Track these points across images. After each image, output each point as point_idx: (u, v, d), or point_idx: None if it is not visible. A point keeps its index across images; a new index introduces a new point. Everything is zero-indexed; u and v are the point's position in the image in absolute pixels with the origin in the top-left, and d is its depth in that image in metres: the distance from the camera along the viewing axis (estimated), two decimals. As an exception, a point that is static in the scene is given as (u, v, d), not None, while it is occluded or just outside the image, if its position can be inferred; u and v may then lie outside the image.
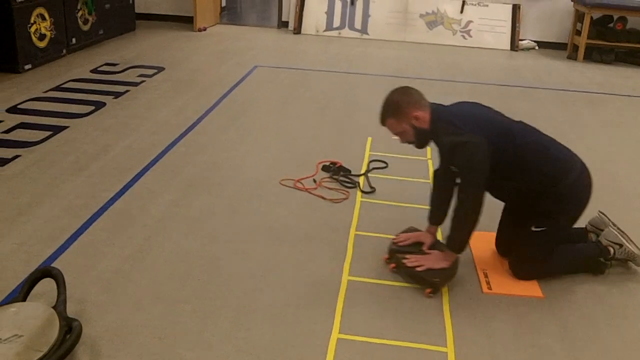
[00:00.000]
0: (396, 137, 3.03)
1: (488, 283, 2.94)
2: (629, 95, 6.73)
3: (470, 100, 3.16)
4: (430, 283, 2.83)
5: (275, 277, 2.89)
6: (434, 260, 2.89)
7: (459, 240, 2.84)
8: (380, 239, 3.28)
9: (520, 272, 3.00)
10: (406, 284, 2.89)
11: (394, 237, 3.15)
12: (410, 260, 2.90)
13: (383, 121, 2.98)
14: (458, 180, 2.82)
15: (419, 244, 3.07)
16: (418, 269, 2.87)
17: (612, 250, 3.08)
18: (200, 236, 3.21)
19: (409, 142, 3.00)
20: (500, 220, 3.24)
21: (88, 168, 3.97)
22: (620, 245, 3.08)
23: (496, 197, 3.09)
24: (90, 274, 2.84)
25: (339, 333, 2.53)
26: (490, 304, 2.80)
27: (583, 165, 2.99)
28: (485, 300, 2.83)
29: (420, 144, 3.01)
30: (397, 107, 2.93)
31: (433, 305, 2.76)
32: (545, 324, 2.69)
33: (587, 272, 3.08)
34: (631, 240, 3.12)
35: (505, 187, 2.97)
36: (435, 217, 3.13)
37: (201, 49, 7.68)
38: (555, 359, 2.48)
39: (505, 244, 3.17)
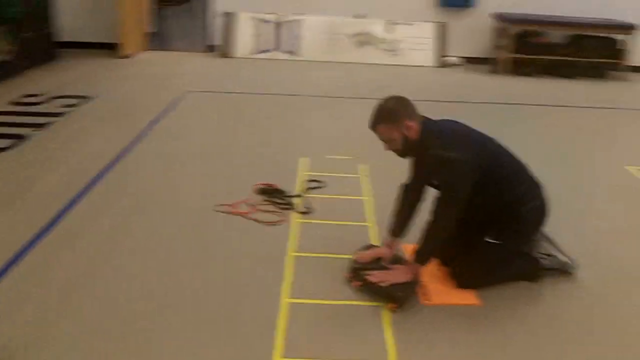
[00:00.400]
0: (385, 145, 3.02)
1: (427, 294, 2.96)
2: (551, 105, 6.98)
3: (449, 118, 3.16)
4: (396, 298, 2.84)
5: (213, 306, 2.84)
6: (397, 275, 2.92)
7: (427, 255, 2.90)
8: (319, 259, 3.26)
9: (464, 281, 3.04)
10: (348, 302, 2.88)
11: (353, 256, 3.14)
12: (374, 277, 2.92)
13: (374, 126, 2.98)
14: (436, 194, 2.87)
15: (379, 260, 3.09)
16: (382, 284, 2.88)
17: (544, 262, 3.16)
18: (135, 269, 3.12)
19: (394, 150, 3.01)
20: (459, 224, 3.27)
21: (10, 204, 3.81)
22: (551, 256, 3.17)
23: (401, 202, 3.15)
24: (14, 317, 2.72)
25: (281, 358, 2.49)
26: (430, 315, 2.82)
27: (545, 192, 3.11)
28: (424, 311, 2.85)
29: (405, 153, 3.02)
30: (391, 115, 2.94)
31: (373, 320, 2.76)
32: (485, 332, 2.73)
33: (523, 280, 3.15)
34: (560, 250, 3.21)
35: (474, 200, 2.98)
36: (398, 231, 3.15)
37: (128, 76, 7.55)
38: (495, 367, 2.51)
39: (451, 251, 3.20)
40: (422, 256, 2.90)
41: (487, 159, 2.95)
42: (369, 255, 3.13)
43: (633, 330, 2.81)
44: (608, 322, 2.86)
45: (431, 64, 9.08)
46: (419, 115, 2.97)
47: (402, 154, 3.02)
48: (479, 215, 3.08)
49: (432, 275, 3.12)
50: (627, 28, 8.69)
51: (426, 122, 2.97)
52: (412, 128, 2.91)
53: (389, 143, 2.97)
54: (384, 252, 3.14)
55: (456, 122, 3.13)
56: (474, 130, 3.10)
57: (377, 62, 8.98)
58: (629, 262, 3.44)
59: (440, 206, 2.84)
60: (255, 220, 3.70)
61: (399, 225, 3.15)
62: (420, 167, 3.09)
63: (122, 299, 2.85)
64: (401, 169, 4.71)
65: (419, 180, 3.12)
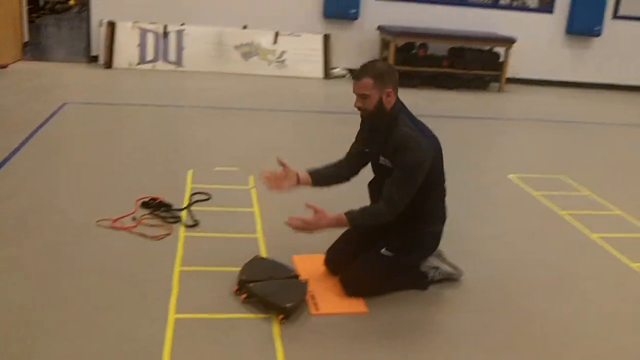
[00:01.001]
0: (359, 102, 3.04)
1: (315, 305, 2.97)
2: (434, 116, 7.23)
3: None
4: (283, 309, 2.82)
5: (97, 325, 2.71)
6: (320, 223, 2.97)
7: (359, 223, 3.01)
8: (207, 273, 3.21)
9: (353, 289, 3.07)
10: (236, 315, 2.84)
11: (240, 268, 3.10)
12: (294, 220, 2.96)
13: (359, 77, 2.97)
14: (390, 178, 2.94)
15: (268, 272, 3.08)
16: (303, 229, 2.96)
17: (430, 274, 3.25)
18: (11, 289, 2.94)
19: (363, 109, 3.02)
20: (344, 234, 3.32)
21: None
22: (437, 268, 3.27)
23: (374, 198, 3.17)
24: None
25: (168, 375, 2.42)
26: (320, 325, 2.83)
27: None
28: (314, 321, 2.86)
29: (372, 117, 3.03)
30: (380, 74, 2.96)
31: (264, 333, 2.73)
32: (372, 338, 2.77)
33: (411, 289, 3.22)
34: (446, 261, 3.32)
35: None
36: (316, 180, 3.25)
37: (2, 87, 7.14)
38: (383, 372, 2.56)
39: (342, 259, 3.23)
40: (354, 221, 2.98)
41: (433, 161, 3.03)
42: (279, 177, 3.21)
43: (516, 329, 2.95)
44: (492, 324, 2.98)
45: (318, 76, 9.19)
46: (397, 92, 3.03)
47: (369, 115, 3.04)
48: (387, 224, 3.10)
49: (320, 285, 3.14)
50: (507, 41, 9.17)
51: (400, 102, 3.05)
52: (391, 98, 2.98)
53: (363, 100, 2.99)
54: (289, 174, 3.22)
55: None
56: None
57: (264, 74, 8.99)
58: (509, 265, 3.61)
59: (393, 191, 2.92)
60: (141, 234, 3.59)
61: (318, 175, 3.27)
62: (374, 142, 3.13)
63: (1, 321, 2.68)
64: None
65: (361, 155, 3.19)
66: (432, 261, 3.27)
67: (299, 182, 3.23)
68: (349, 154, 3.35)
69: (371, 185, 3.24)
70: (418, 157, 2.93)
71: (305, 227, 2.97)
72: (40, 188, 4.19)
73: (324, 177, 3.29)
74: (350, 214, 2.99)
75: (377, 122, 3.08)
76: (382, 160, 3.06)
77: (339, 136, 6.01)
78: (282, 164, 3.22)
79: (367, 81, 2.96)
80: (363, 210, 3.01)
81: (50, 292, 2.94)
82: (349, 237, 3.30)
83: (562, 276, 3.53)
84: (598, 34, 9.87)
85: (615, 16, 9.99)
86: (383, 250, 3.09)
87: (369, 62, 3.07)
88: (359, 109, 3.05)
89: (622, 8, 10.00)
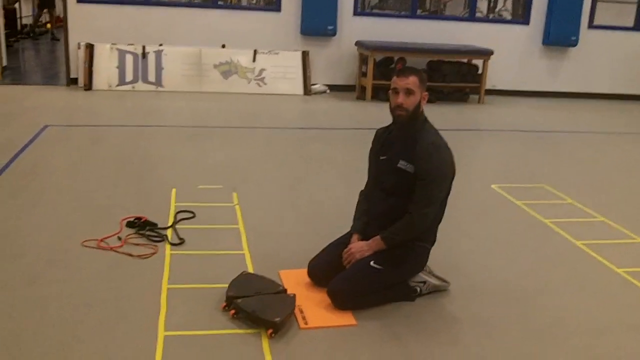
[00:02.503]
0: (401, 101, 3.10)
1: (304, 318, 2.97)
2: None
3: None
4: (271, 323, 2.81)
5: (87, 344, 2.69)
6: (362, 250, 3.12)
7: (395, 241, 3.11)
8: (195, 290, 3.20)
9: (341, 301, 3.07)
10: (225, 331, 2.84)
11: (228, 284, 3.10)
12: (348, 255, 3.14)
13: (409, 74, 3.09)
14: (417, 191, 3.06)
15: (255, 287, 3.07)
16: (353, 259, 3.11)
17: (418, 289, 3.26)
18: (-5, 313, 2.91)
19: (404, 108, 3.08)
20: (333, 244, 3.35)
21: None
22: (424, 282, 3.28)
23: (376, 210, 3.26)
24: None
25: (159, 393, 2.41)
26: (308, 339, 2.83)
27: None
28: (303, 335, 2.86)
29: (409, 117, 3.11)
30: (423, 78, 3.13)
31: (253, 348, 2.73)
32: (361, 350, 2.78)
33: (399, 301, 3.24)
34: (433, 274, 3.34)
35: (403, 206, 3.12)
36: (363, 228, 3.31)
37: (-19, 112, 7.10)
38: (374, 383, 2.56)
39: (323, 272, 3.23)
40: (390, 240, 3.09)
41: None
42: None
43: (504, 338, 2.96)
44: (482, 333, 2.99)
45: (298, 93, 9.23)
46: None
47: (407, 114, 3.10)
48: (376, 233, 3.15)
49: (308, 299, 3.14)
50: (484, 53, 9.28)
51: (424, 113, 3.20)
52: (424, 102, 3.14)
53: (408, 96, 3.07)
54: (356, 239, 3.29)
55: None
56: None
57: (244, 92, 9.02)
58: (497, 273, 3.64)
59: (425, 201, 3.05)
60: (127, 254, 3.57)
61: (365, 226, 3.32)
62: (393, 147, 3.20)
63: (-20, 348, 2.64)
64: (272, 195, 4.75)
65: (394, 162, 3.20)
66: (420, 276, 3.28)
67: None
68: (369, 182, 3.43)
69: (366, 190, 3.38)
70: (450, 169, 3.12)
71: (353, 259, 3.13)
72: (24, 210, 4.16)
73: (368, 222, 3.35)
74: (384, 236, 3.11)
75: (409, 123, 3.15)
76: (401, 164, 3.12)
77: (314, 153, 6.07)
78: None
79: (414, 79, 3.07)
80: (394, 228, 3.10)
81: (35, 315, 2.91)
82: (330, 249, 3.32)
83: (549, 283, 3.56)
84: (574, 44, 10.03)
85: (591, 26, 10.16)
86: (372, 263, 3.10)
87: (414, 68, 3.20)
88: (398, 106, 3.10)
89: (597, 18, 10.18)
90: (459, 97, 9.47)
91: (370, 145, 3.43)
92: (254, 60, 9.15)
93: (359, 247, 3.15)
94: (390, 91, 3.15)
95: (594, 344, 2.96)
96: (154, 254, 3.61)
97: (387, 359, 2.72)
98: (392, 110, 3.14)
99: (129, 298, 3.10)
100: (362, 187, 3.49)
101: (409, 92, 3.06)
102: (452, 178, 3.16)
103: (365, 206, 3.37)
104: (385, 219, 3.18)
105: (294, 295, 3.05)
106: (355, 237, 3.29)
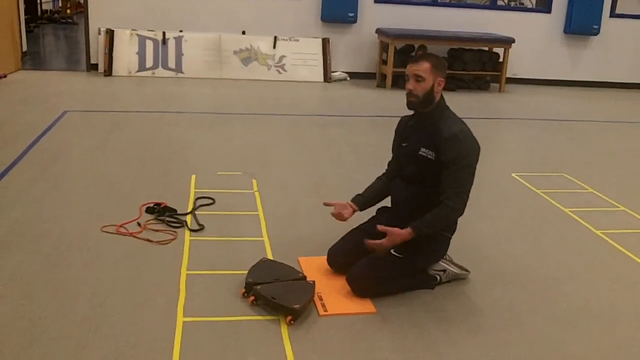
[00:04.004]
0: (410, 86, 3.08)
1: (324, 306, 2.96)
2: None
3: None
4: (291, 310, 2.81)
5: (105, 329, 2.71)
6: (394, 239, 3.02)
7: (425, 232, 3.04)
8: (213, 276, 3.20)
9: (360, 288, 3.06)
10: (244, 318, 2.84)
11: (247, 271, 3.10)
12: (376, 245, 3.02)
13: (420, 59, 3.06)
14: (446, 181, 3.02)
15: (275, 274, 3.07)
16: (379, 248, 3.02)
17: (438, 277, 3.24)
18: (17, 297, 2.93)
19: (414, 94, 3.05)
20: (353, 231, 3.35)
21: None
22: (444, 271, 3.26)
23: (397, 199, 3.27)
24: None
25: (178, 378, 2.42)
26: (328, 326, 2.82)
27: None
28: (323, 322, 2.85)
29: (420, 103, 3.07)
30: (438, 64, 3.07)
31: (272, 335, 2.73)
32: (380, 338, 2.76)
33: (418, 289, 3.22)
34: (453, 262, 3.31)
35: (423, 195, 3.11)
36: (364, 205, 3.38)
37: (1, 97, 7.14)
38: (394, 371, 2.55)
39: (343, 259, 3.22)
40: (420, 231, 3.02)
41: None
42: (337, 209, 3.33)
43: (524, 325, 2.94)
44: (501, 321, 2.97)
45: (318, 80, 9.20)
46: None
47: (417, 101, 3.07)
48: (402, 220, 3.10)
49: (327, 286, 3.13)
50: (505, 42, 9.18)
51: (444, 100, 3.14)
52: (440, 89, 3.07)
53: (419, 82, 3.03)
54: (345, 207, 3.34)
55: None
56: None
57: (264, 79, 9.00)
58: (516, 262, 3.61)
59: (457, 189, 3.01)
60: (146, 239, 3.58)
61: (369, 201, 3.39)
62: (415, 134, 3.18)
63: (5, 329, 2.66)
64: (292, 182, 4.75)
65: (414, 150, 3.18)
66: (440, 264, 3.26)
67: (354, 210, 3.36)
68: (390, 169, 3.42)
69: (384, 177, 3.38)
70: (475, 154, 3.06)
71: (382, 247, 3.04)
72: (44, 196, 4.18)
73: (372, 198, 3.41)
74: (415, 226, 3.03)
75: (425, 110, 3.11)
76: (422, 151, 3.09)
77: (339, 139, 6.06)
78: (329, 204, 3.35)
79: (426, 65, 3.03)
80: (425, 219, 3.03)
81: (56, 298, 2.93)
82: (350, 237, 3.31)
83: (569, 271, 3.53)
84: (596, 33, 9.89)
85: (613, 14, 10.02)
86: (392, 251, 3.08)
87: (429, 53, 3.17)
88: (409, 92, 3.07)
89: (619, 6, 10.03)
90: (480, 85, 9.39)
91: (392, 132, 3.41)
92: (274, 47, 9.13)
93: (391, 241, 3.05)
94: (405, 77, 3.13)
95: (615, 331, 2.93)
96: (173, 239, 3.61)
97: (407, 347, 2.71)
98: (406, 97, 3.12)
99: (148, 284, 3.11)
100: (382, 174, 3.48)
101: (418, 78, 3.03)
102: (477, 163, 3.12)
103: (377, 185, 3.40)
104: (405, 208, 3.16)
105: (314, 282, 3.04)
106: (347, 204, 3.35)
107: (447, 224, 3.13)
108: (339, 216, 3.33)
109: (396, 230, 3.02)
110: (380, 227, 3.05)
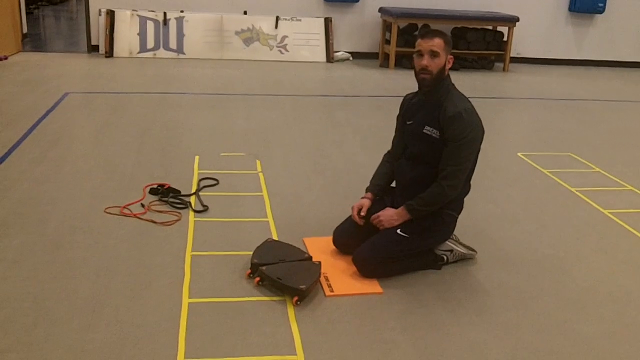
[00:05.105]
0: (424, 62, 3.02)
1: (330, 286, 2.94)
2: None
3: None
4: (297, 291, 2.79)
5: (109, 311, 2.69)
6: (390, 220, 3.07)
7: (420, 212, 3.05)
8: (218, 257, 3.18)
9: (366, 268, 3.04)
10: (250, 299, 2.82)
11: (252, 251, 3.07)
12: (377, 221, 3.09)
13: (432, 36, 3.00)
14: (445, 159, 3.00)
15: (280, 254, 3.05)
16: (381, 226, 3.07)
17: (445, 258, 3.22)
18: (21, 278, 2.91)
19: (428, 71, 2.99)
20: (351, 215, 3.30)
21: None
22: (451, 251, 3.23)
23: (403, 179, 3.22)
24: None
25: (185, 358, 2.39)
26: (334, 306, 2.80)
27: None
28: (329, 303, 2.83)
29: (433, 80, 3.02)
30: (448, 39, 3.04)
31: (278, 315, 2.71)
32: (387, 318, 2.74)
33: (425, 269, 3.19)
34: (460, 242, 3.29)
35: (429, 175, 3.07)
36: (379, 190, 3.31)
37: (2, 79, 7.09)
38: (400, 350, 2.53)
39: (349, 240, 3.20)
40: (415, 211, 3.03)
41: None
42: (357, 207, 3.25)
43: (529, 306, 2.92)
44: (508, 302, 2.95)
45: (321, 60, 9.12)
46: None
47: (431, 77, 3.01)
48: (402, 202, 3.09)
49: (333, 266, 3.11)
50: (509, 20, 9.09)
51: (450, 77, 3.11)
52: (450, 65, 3.04)
53: (433, 58, 2.99)
54: (365, 202, 3.25)
55: None
56: None
57: (266, 59, 8.93)
58: (524, 242, 3.58)
59: (454, 167, 2.98)
60: (150, 220, 3.56)
61: (382, 185, 3.33)
62: (419, 112, 3.13)
63: (5, 312, 2.64)
64: (296, 162, 4.71)
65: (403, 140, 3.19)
66: (446, 244, 3.24)
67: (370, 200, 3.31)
68: (395, 148, 3.36)
69: (389, 157, 3.33)
70: (478, 133, 3.02)
71: (383, 224, 3.10)
72: (47, 177, 4.15)
73: (387, 184, 3.36)
74: (409, 206, 3.04)
75: (433, 88, 3.05)
76: (427, 129, 3.06)
77: (342, 119, 6.01)
78: (361, 217, 3.25)
79: (440, 41, 2.99)
80: (419, 198, 3.03)
81: (60, 279, 2.91)
82: (371, 213, 3.27)
83: (577, 251, 3.50)
84: (601, 11, 9.79)
85: (618, -8, 9.92)
86: (398, 231, 3.06)
87: (441, 31, 3.10)
88: (424, 69, 3.00)
89: (625, -16, 9.93)
90: (484, 64, 9.32)
91: (396, 111, 3.36)
92: (276, 27, 9.04)
93: (388, 217, 3.09)
94: (414, 54, 3.05)
95: (624, 312, 2.91)
96: (177, 221, 3.59)
97: (413, 327, 2.69)
98: (417, 74, 3.04)
99: (153, 265, 3.09)
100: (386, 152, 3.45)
101: (434, 54, 2.97)
102: (480, 144, 3.08)
103: (385, 169, 3.35)
104: (412, 188, 3.12)
105: (320, 262, 3.02)
106: (367, 197, 3.28)
107: (443, 202, 3.06)
108: (359, 207, 3.25)
109: (387, 212, 3.09)
110: (372, 218, 3.13)
